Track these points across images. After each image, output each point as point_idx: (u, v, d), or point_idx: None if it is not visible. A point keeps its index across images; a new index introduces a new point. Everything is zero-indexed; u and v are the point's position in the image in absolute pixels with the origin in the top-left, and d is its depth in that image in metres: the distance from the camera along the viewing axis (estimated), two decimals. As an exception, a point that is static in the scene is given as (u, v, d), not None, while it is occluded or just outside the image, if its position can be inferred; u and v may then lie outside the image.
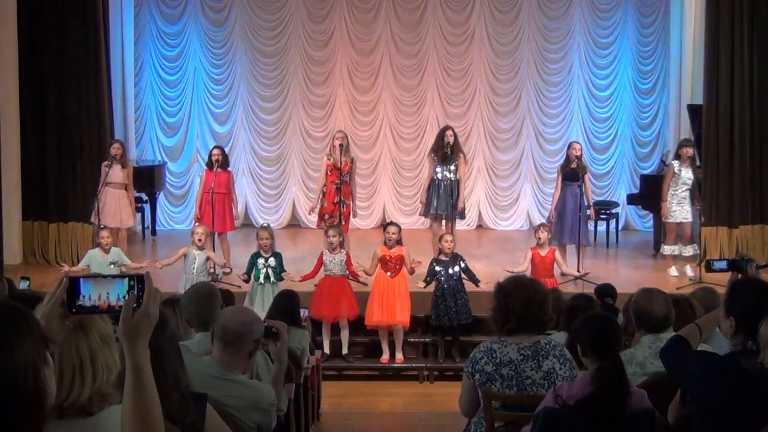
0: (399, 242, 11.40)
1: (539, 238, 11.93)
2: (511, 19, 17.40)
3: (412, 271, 11.39)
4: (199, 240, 11.53)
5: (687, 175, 13.11)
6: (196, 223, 12.56)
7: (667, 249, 13.50)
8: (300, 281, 11.24)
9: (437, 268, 11.33)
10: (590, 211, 13.45)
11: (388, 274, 11.28)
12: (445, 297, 11.23)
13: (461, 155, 13.42)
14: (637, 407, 4.55)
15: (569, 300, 7.67)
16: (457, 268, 11.31)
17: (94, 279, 2.71)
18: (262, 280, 11.10)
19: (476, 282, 11.34)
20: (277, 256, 11.27)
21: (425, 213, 13.65)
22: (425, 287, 11.36)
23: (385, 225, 12.10)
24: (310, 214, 14.81)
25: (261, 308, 10.02)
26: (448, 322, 11.27)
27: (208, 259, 11.68)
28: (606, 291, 8.89)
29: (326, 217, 12.96)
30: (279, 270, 11.18)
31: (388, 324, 11.32)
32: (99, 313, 2.82)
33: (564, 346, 5.36)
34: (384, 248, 11.36)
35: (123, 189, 13.25)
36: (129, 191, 13.38)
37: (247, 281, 11.30)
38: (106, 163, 13.19)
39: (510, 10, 17.39)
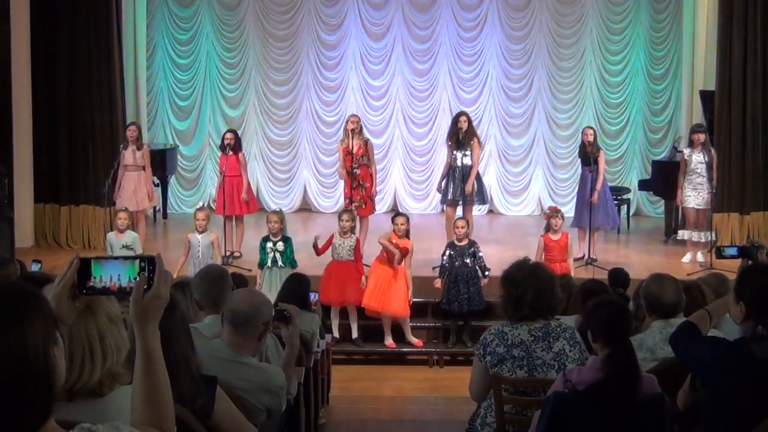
0: (407, 234, 11.35)
1: (554, 223, 11.82)
2: (524, 3, 17.31)
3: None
4: (200, 225, 11.49)
5: (698, 159, 13.08)
6: (198, 207, 12.44)
7: (682, 234, 13.47)
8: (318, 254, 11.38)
9: (450, 253, 11.32)
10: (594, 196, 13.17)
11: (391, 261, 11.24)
12: (458, 283, 11.20)
13: (475, 140, 13.30)
14: (647, 393, 4.55)
15: (583, 283, 7.66)
16: (470, 257, 11.30)
17: (105, 260, 2.72)
18: (269, 263, 11.10)
19: (483, 273, 11.30)
20: (287, 240, 11.24)
21: (442, 200, 13.57)
22: (443, 282, 11.35)
23: (393, 216, 11.93)
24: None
25: (268, 292, 10.00)
26: (458, 308, 11.26)
27: (212, 242, 11.59)
28: (617, 279, 8.87)
29: (346, 201, 12.94)
30: (288, 255, 11.16)
31: (379, 312, 11.28)
32: (109, 295, 2.83)
33: (575, 329, 5.36)
34: (395, 236, 11.27)
35: (140, 171, 13.25)
36: (147, 172, 13.37)
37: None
38: (123, 146, 13.23)
39: (523, -5, 17.35)
